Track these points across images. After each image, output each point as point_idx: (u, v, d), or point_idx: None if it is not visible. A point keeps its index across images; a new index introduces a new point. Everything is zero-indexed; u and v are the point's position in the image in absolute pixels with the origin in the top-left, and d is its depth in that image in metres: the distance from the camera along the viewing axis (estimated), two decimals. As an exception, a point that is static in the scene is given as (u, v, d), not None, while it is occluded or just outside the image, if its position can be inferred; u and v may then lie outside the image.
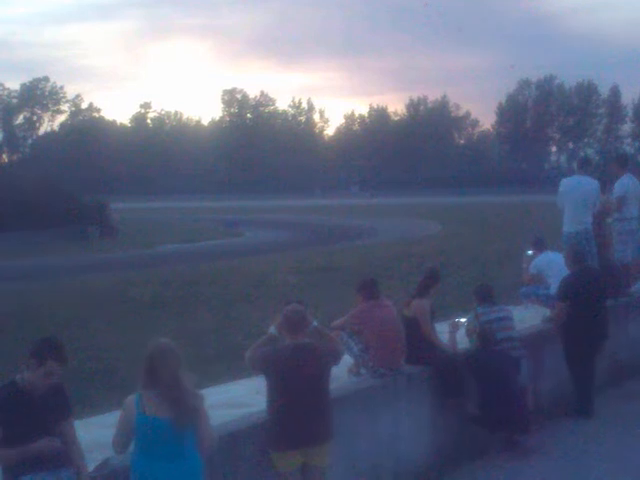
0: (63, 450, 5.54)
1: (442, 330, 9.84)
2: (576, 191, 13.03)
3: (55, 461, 5.47)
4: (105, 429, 6.61)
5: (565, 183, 13.29)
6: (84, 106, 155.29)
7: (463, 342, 9.86)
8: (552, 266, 12.38)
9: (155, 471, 5.49)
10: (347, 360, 8.49)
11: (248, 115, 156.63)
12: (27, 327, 15.55)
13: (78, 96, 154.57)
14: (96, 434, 6.65)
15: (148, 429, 5.47)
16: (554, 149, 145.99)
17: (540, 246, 13.02)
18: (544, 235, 13.66)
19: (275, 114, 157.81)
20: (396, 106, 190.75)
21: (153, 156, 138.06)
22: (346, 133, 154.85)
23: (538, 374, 10.76)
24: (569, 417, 10.74)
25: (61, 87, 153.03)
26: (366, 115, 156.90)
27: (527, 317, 12.16)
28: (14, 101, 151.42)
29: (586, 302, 10.87)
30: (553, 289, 12.01)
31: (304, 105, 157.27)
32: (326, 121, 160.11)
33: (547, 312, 11.96)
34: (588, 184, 13.12)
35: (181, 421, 5.48)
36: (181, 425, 5.48)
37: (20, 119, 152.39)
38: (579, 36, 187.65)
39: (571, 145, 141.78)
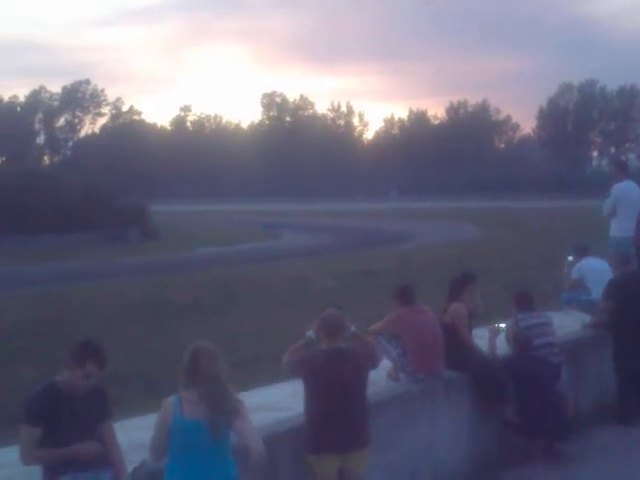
0: (103, 452, 5.57)
1: (482, 335, 9.76)
2: (629, 197, 12.93)
3: (95, 463, 5.51)
4: (142, 431, 6.62)
5: (619, 188, 13.15)
6: (125, 109, 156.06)
7: (503, 347, 9.77)
8: (594, 272, 12.28)
9: (189, 476, 5.45)
10: (386, 364, 8.43)
11: (287, 118, 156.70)
12: (65, 330, 15.62)
13: (119, 99, 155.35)
14: (133, 436, 6.66)
15: (184, 431, 5.43)
16: (595, 153, 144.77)
17: (582, 252, 12.90)
18: (586, 241, 13.51)
19: (314, 117, 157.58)
20: (436, 110, 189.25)
21: (193, 159, 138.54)
22: (385, 137, 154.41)
23: (579, 381, 10.63)
24: (611, 425, 10.54)
25: (102, 90, 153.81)
26: (406, 119, 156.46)
27: (567, 323, 12.02)
28: (55, 104, 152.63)
29: (634, 305, 10.73)
30: (594, 295, 11.91)
31: (343, 109, 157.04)
32: (365, 125, 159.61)
33: (587, 318, 11.83)
34: (636, 190, 13.03)
35: (217, 422, 5.42)
36: (216, 426, 5.43)
37: (61, 122, 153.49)
38: (622, 39, 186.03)
39: (613, 150, 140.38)
